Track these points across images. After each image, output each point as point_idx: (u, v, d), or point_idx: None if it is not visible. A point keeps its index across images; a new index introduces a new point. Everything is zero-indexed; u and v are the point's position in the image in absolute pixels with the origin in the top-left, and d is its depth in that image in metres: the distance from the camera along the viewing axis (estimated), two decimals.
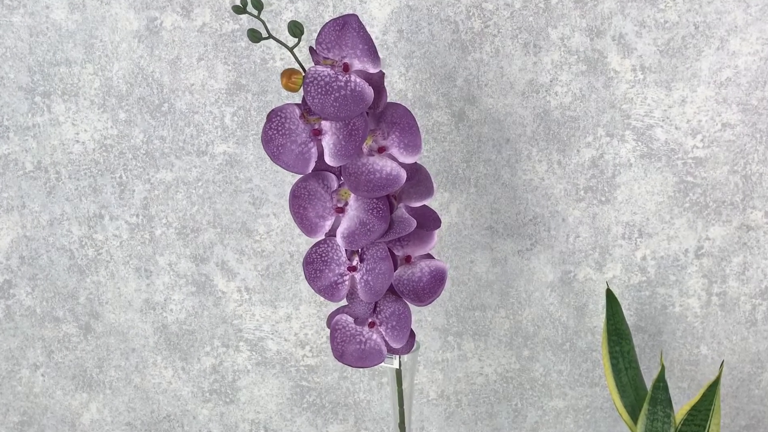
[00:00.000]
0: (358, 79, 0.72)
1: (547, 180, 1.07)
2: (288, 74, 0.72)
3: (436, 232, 0.83)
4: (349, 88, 0.72)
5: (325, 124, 0.74)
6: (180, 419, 1.19)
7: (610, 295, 0.88)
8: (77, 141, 1.05)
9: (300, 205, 0.78)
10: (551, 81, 1.02)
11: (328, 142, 0.74)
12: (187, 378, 1.15)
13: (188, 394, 1.18)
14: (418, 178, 0.81)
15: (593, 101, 1.01)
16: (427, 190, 0.81)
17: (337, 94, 0.71)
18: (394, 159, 0.76)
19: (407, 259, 0.82)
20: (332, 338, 0.80)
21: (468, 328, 1.14)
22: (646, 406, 0.83)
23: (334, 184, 0.78)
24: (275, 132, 0.75)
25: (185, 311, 1.12)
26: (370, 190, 0.74)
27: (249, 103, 1.02)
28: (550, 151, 1.06)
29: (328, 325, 0.81)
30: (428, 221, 0.81)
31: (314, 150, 0.75)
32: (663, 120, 1.03)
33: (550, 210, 1.06)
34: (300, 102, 0.75)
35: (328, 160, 0.74)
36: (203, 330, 1.13)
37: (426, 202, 0.80)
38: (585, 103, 0.99)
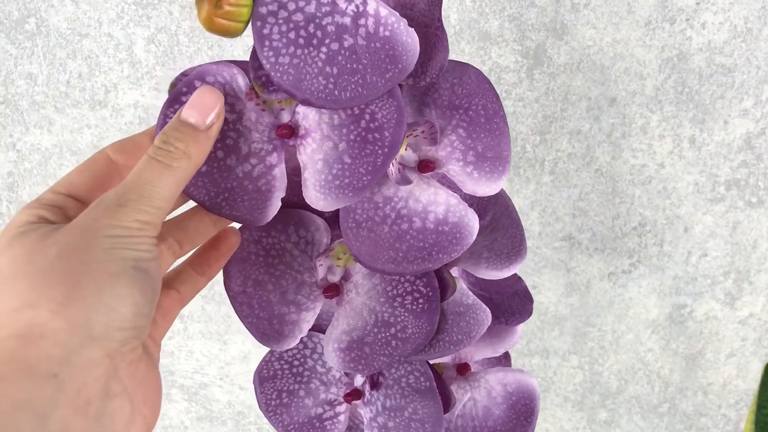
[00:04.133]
0: (382, 10, 0.30)
1: (669, 167, 0.65)
2: None
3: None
4: (362, 30, 0.29)
5: (307, 115, 0.33)
6: None
7: None
8: None
9: (250, 283, 0.37)
10: (697, 3, 0.58)
11: (312, 155, 0.34)
12: None
13: None
14: (495, 220, 0.39)
15: (764, 42, 0.57)
16: (514, 245, 0.39)
17: (334, 46, 0.31)
18: (455, 188, 0.34)
19: (462, 370, 0.41)
20: None
21: None
22: None
23: (323, 240, 0.36)
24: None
25: None
26: (403, 260, 0.34)
27: (176, 22, 0.56)
28: (680, 121, 0.64)
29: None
30: (512, 307, 0.40)
31: (279, 171, 0.33)
32: None
33: (668, 214, 0.64)
34: (249, 59, 0.32)
35: (313, 195, 0.33)
36: None
37: (512, 269, 0.38)
38: (750, 45, 0.56)
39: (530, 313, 0.40)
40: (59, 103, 0.65)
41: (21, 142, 0.66)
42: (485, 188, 0.35)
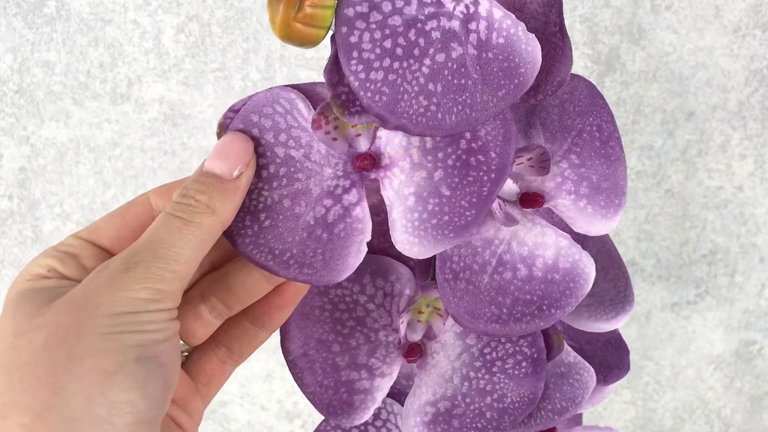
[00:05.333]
0: (496, 11, 0.23)
1: (748, 191, 0.59)
2: None
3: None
4: (473, 36, 0.23)
5: (391, 140, 0.28)
6: None
7: None
8: None
9: (313, 344, 0.31)
10: None
11: (400, 188, 0.28)
12: None
13: None
14: (594, 259, 0.32)
15: None
16: (618, 289, 0.33)
17: (440, 57, 0.25)
18: (562, 226, 0.28)
19: None
20: None
21: None
22: None
23: (406, 291, 0.30)
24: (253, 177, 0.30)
25: None
26: (509, 319, 0.30)
27: (209, 10, 0.55)
28: (765, 140, 0.57)
29: None
30: (607, 360, 0.34)
31: (360, 211, 0.26)
32: None
33: (743, 242, 0.58)
34: (326, 76, 0.25)
35: (404, 239, 0.28)
36: None
37: (619, 320, 0.32)
38: None
39: (628, 368, 0.34)
40: (78, 95, 0.59)
41: (35, 135, 0.61)
42: (600, 226, 0.29)
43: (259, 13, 0.55)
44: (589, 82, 0.30)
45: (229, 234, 0.28)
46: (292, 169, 0.28)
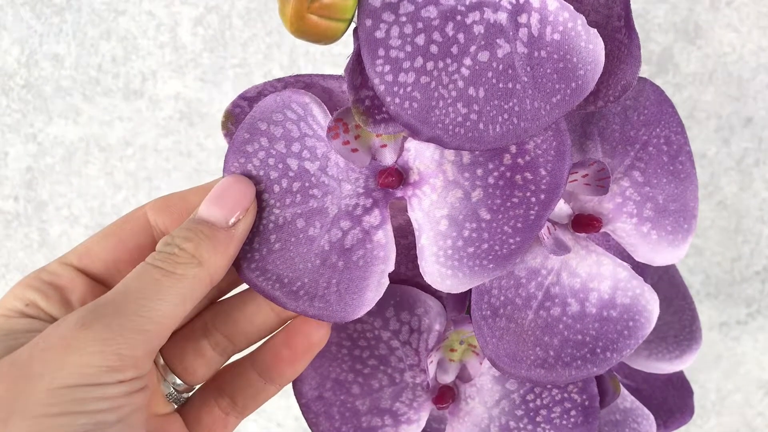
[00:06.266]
0: (550, 2, 0.19)
1: None
2: None
3: None
4: (523, 31, 0.18)
5: (421, 153, 0.25)
6: None
7: None
8: None
9: (329, 385, 0.26)
10: None
11: (431, 210, 0.24)
12: None
13: None
14: (655, 288, 0.28)
15: None
16: (683, 324, 0.29)
17: (482, 56, 0.21)
18: (621, 253, 0.24)
19: None
20: None
21: None
22: None
23: (435, 327, 0.26)
24: (257, 179, 0.25)
25: None
26: (556, 363, 0.25)
27: (229, 1, 0.53)
28: None
29: None
30: (668, 403, 0.30)
31: (383, 235, 0.22)
32: None
33: None
34: (344, 72, 0.21)
35: (435, 270, 0.24)
36: None
37: (685, 360, 0.28)
38: None
39: (692, 412, 0.30)
40: (88, 91, 0.55)
41: (43, 133, 0.57)
42: (665, 255, 0.25)
43: None
44: (657, 86, 0.26)
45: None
46: (307, 184, 0.24)
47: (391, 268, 0.23)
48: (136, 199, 0.59)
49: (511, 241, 0.22)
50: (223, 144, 0.56)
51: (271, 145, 0.24)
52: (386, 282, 0.24)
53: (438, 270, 0.23)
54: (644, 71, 0.52)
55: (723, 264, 0.58)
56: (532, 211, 0.22)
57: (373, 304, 0.23)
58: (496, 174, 0.23)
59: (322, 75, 0.25)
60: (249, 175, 0.24)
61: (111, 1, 0.53)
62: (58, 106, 0.56)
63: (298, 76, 0.25)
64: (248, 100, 0.25)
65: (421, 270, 0.23)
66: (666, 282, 0.29)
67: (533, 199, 0.22)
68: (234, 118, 0.25)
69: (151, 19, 0.53)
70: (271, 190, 0.24)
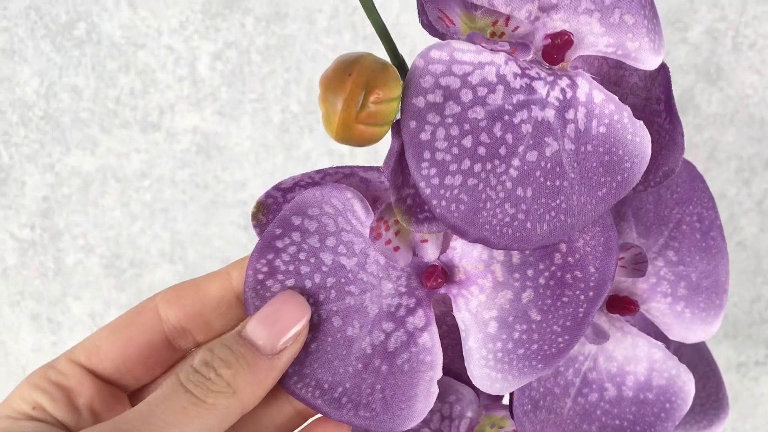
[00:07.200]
0: (597, 94, 0.19)
1: None
2: (352, 85, 0.19)
3: None
4: (570, 127, 0.18)
5: (468, 252, 0.23)
6: None
7: None
8: None
9: None
10: None
11: (479, 312, 0.23)
12: None
13: None
14: (678, 355, 0.28)
15: None
16: (710, 393, 0.28)
17: (531, 156, 0.21)
18: (653, 330, 0.23)
19: None
20: None
21: None
22: None
23: (467, 414, 0.26)
24: (286, 274, 0.24)
25: None
26: None
27: (248, 37, 0.51)
28: None
29: None
30: None
31: (428, 337, 0.22)
32: None
33: None
34: (388, 176, 0.21)
35: (483, 374, 0.23)
36: None
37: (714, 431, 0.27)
38: None
39: None
40: (106, 123, 0.55)
41: (60, 163, 0.57)
42: (699, 332, 0.24)
43: (302, 42, 0.51)
44: (688, 163, 0.26)
45: None
46: (343, 280, 0.23)
47: (439, 374, 0.23)
48: (152, 229, 0.59)
49: (560, 339, 0.21)
50: (240, 177, 0.56)
51: (304, 239, 0.23)
52: (436, 391, 0.23)
53: (488, 374, 0.22)
54: None
55: (742, 305, 0.58)
56: (580, 309, 0.21)
57: (425, 415, 0.23)
58: (546, 274, 0.22)
59: (362, 167, 0.24)
60: (277, 272, 0.23)
61: (131, 35, 0.53)
62: (76, 137, 0.56)
63: (338, 168, 0.24)
64: (282, 191, 0.24)
65: (468, 373, 0.22)
66: (689, 348, 0.29)
67: (582, 297, 0.22)
68: (266, 209, 0.25)
69: (170, 54, 0.53)
70: (302, 287, 0.23)
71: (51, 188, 0.58)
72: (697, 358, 0.29)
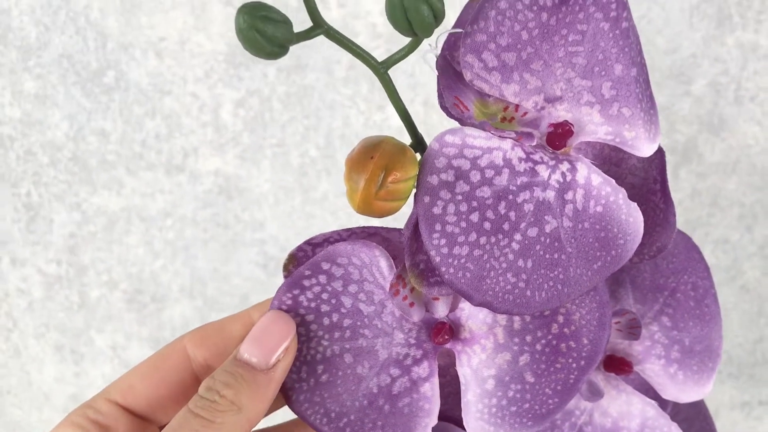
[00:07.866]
0: (595, 177, 0.21)
1: None
2: (374, 167, 0.21)
3: None
4: (569, 207, 0.20)
5: (474, 314, 0.26)
6: None
7: None
8: None
9: None
10: None
11: (480, 369, 0.26)
12: None
13: None
14: (683, 413, 0.29)
15: None
16: None
17: (531, 232, 0.23)
18: (647, 389, 0.25)
19: None
20: None
21: None
22: None
23: None
24: (307, 309, 0.27)
25: None
26: None
27: (270, 85, 0.49)
28: None
29: None
30: None
31: (429, 388, 0.24)
32: None
33: None
34: (405, 242, 0.23)
35: (478, 426, 0.26)
36: None
37: None
38: None
39: None
40: (132, 165, 0.58)
41: (87, 203, 0.60)
42: (691, 393, 0.26)
43: (321, 91, 0.54)
44: (684, 235, 0.28)
45: (283, 388, 0.26)
46: (359, 323, 0.25)
47: (435, 422, 0.25)
48: (173, 266, 0.61)
49: (551, 401, 0.23)
50: (259, 217, 0.59)
51: (329, 282, 0.25)
52: None
53: (482, 426, 0.24)
54: (669, 161, 0.54)
55: (745, 345, 0.59)
56: (572, 376, 0.23)
57: None
58: (543, 341, 0.24)
59: (385, 228, 0.26)
60: (300, 306, 0.26)
61: (157, 82, 0.55)
62: (103, 179, 0.59)
63: (364, 227, 0.26)
64: (312, 245, 0.27)
65: (464, 424, 0.24)
66: (687, 404, 0.31)
67: (574, 365, 0.23)
68: (296, 262, 0.27)
69: (194, 100, 0.56)
70: (321, 323, 0.25)
71: (78, 226, 0.61)
72: (693, 412, 0.30)
